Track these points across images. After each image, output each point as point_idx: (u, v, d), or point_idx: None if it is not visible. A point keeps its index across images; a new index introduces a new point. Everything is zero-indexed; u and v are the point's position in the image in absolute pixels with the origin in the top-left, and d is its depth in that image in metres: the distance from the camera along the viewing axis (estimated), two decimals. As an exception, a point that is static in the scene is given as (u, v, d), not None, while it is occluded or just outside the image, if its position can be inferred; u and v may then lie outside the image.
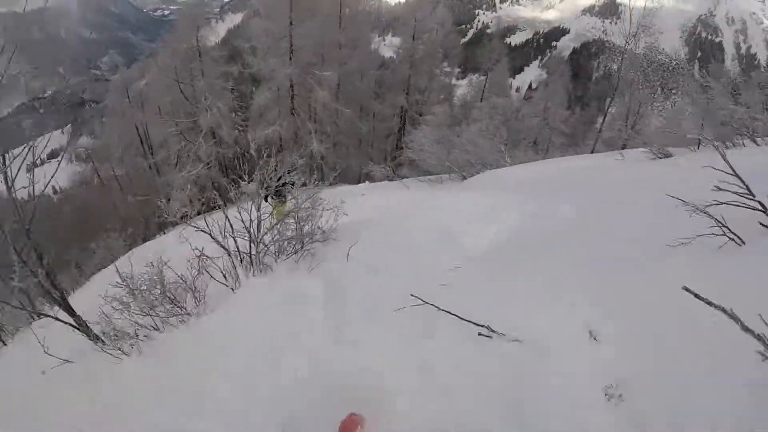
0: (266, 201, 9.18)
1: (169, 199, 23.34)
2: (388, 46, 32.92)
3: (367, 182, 18.96)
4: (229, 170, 25.99)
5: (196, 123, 23.18)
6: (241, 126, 25.82)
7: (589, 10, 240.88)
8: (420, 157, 14.82)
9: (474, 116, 21.13)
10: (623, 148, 17.30)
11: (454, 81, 37.89)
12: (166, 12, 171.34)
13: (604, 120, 24.03)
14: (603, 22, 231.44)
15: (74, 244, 22.93)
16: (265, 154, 6.07)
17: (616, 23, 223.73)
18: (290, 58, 22.27)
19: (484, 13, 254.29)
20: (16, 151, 4.23)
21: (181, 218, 6.30)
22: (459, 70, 44.59)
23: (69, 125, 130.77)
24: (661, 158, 8.74)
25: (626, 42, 22.65)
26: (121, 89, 26.97)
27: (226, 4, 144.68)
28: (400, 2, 33.12)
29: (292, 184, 9.57)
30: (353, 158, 27.09)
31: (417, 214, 6.87)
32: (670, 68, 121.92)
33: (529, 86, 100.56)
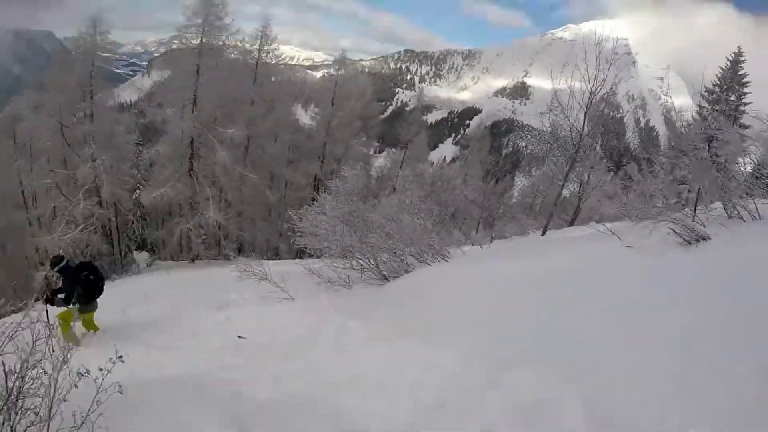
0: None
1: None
2: (309, 115, 31.59)
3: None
4: (117, 234, 23.17)
5: (74, 176, 20.07)
6: (136, 186, 22.97)
7: (500, 92, 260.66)
8: (313, 245, 11.04)
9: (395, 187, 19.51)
10: (572, 223, 16.78)
11: (371, 152, 37.16)
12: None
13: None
14: (513, 102, 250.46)
15: None
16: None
17: (525, 104, 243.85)
18: (192, 111, 20.15)
19: (403, 92, 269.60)
20: None
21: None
22: (377, 143, 44.30)
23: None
24: (695, 243, 5.68)
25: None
26: (9, 127, 22.93)
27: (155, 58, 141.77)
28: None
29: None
30: (259, 230, 24.88)
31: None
32: (574, 143, 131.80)
33: (444, 160, 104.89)
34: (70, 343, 6.65)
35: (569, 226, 16.68)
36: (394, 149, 38.25)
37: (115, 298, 11.86)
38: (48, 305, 7.60)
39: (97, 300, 8.07)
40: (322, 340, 6.28)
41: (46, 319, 6.72)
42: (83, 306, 7.75)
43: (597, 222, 13.18)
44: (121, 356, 3.20)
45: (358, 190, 12.26)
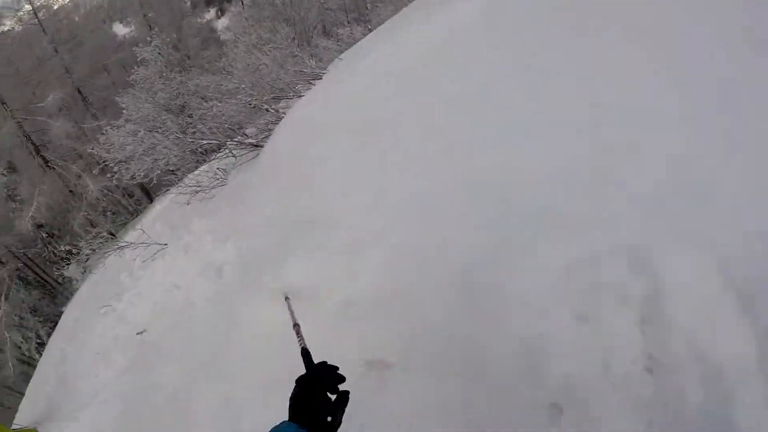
0: None
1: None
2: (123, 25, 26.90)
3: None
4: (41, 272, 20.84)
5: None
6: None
7: None
8: (144, 168, 8.06)
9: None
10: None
11: (209, 18, 32.36)
12: None
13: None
14: None
15: None
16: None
17: None
18: (4, 107, 16.64)
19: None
20: None
21: None
22: (212, 8, 38.31)
23: None
24: None
25: None
26: None
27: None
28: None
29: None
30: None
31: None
32: None
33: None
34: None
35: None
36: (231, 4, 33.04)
37: (58, 336, 11.81)
38: None
39: None
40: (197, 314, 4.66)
41: None
42: None
43: None
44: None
45: (169, 63, 8.98)
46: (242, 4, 27.62)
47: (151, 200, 21.60)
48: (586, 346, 1.82)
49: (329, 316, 2.90)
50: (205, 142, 7.21)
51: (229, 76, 7.61)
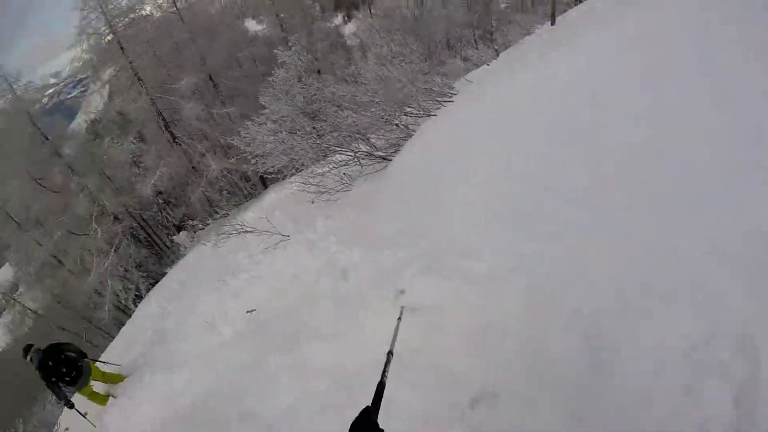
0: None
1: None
2: (258, 22, 28.21)
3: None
4: (152, 233, 22.85)
5: (75, 215, 19.35)
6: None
7: None
8: (277, 165, 8.70)
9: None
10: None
11: (337, 23, 33.51)
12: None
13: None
14: None
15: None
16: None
17: None
18: (141, 86, 18.21)
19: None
20: None
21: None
22: (341, 13, 39.86)
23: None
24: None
25: None
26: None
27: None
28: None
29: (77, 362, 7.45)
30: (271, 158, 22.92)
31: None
32: None
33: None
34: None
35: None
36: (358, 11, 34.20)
37: (161, 294, 12.88)
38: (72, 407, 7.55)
39: (83, 377, 7.57)
40: (318, 309, 4.91)
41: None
42: (69, 388, 7.50)
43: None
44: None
45: (308, 67, 9.33)
46: (370, 12, 28.58)
47: (265, 186, 22.98)
48: (686, 413, 2.05)
49: (455, 339, 3.06)
50: (338, 149, 7.57)
51: (363, 87, 7.87)
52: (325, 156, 7.98)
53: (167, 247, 22.77)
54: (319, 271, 5.64)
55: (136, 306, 20.26)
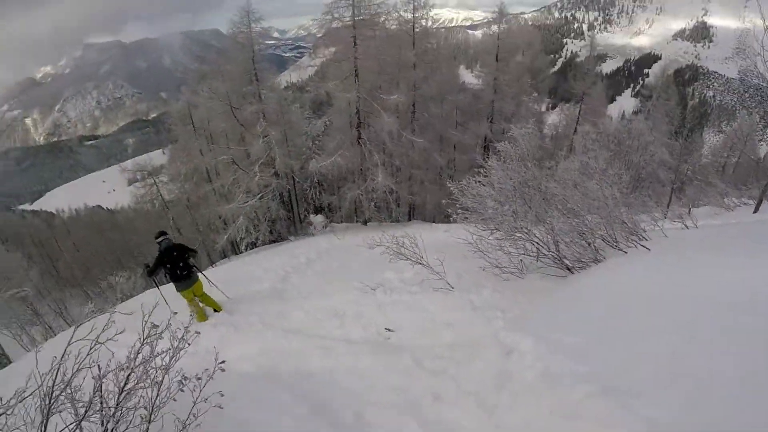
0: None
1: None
2: (474, 75, 29.35)
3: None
4: (295, 200, 24.64)
5: (248, 152, 21.32)
6: (309, 156, 24.39)
7: (679, 34, 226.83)
8: (476, 222, 8.48)
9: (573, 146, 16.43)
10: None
11: (543, 109, 34.13)
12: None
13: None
14: (695, 46, 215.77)
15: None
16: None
17: (708, 47, 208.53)
18: (355, 81, 19.67)
19: (572, 42, 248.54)
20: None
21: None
22: (549, 99, 40.61)
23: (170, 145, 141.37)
24: None
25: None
26: (184, 114, 25.63)
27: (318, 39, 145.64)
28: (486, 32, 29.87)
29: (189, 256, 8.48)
30: (429, 194, 23.88)
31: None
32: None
33: (624, 114, 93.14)
34: (196, 318, 7.45)
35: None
36: (567, 104, 34.60)
37: (285, 258, 13.87)
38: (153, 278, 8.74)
39: (190, 281, 8.37)
40: (477, 367, 5.12)
41: (164, 302, 7.65)
42: (176, 284, 8.25)
43: None
44: (223, 362, 3.72)
45: (531, 152, 9.53)
46: (579, 111, 28.92)
47: (409, 218, 24.14)
48: None
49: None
50: (534, 244, 7.77)
51: (572, 193, 7.81)
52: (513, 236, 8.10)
53: (300, 220, 24.35)
54: (481, 338, 5.87)
55: (247, 250, 21.89)
